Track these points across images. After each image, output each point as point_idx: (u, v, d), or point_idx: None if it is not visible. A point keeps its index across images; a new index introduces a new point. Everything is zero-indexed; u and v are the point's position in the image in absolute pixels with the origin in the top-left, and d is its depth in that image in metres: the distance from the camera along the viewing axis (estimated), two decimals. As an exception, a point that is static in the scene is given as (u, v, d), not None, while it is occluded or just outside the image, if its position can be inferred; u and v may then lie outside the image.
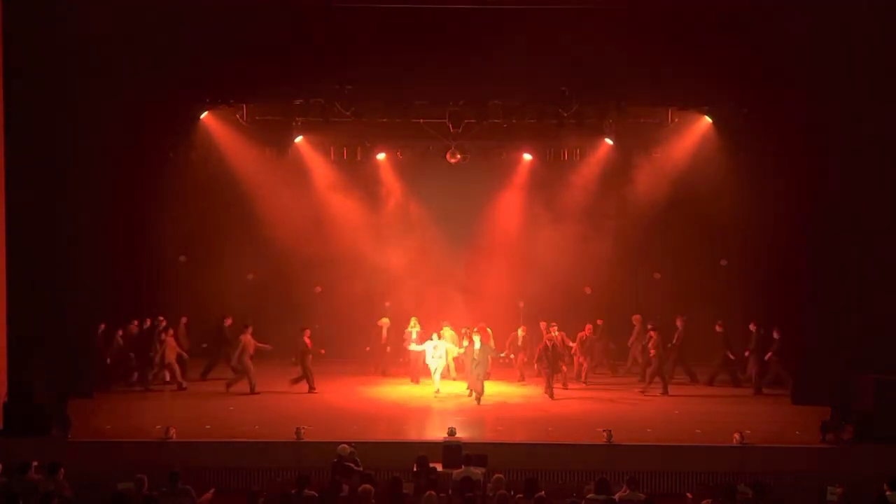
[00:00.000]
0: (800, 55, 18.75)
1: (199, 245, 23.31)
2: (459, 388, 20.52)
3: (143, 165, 21.21)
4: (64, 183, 18.89)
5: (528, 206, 24.28)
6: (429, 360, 20.28)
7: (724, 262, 23.68)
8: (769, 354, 20.32)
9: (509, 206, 24.55)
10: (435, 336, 20.42)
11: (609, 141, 23.34)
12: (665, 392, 20.12)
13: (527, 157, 24.39)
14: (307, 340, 20.22)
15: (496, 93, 20.78)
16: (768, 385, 20.42)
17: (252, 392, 19.84)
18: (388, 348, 22.27)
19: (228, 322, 21.29)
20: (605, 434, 15.84)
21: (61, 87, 18.55)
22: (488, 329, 20.97)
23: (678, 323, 21.89)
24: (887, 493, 12.37)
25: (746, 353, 20.78)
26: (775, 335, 20.32)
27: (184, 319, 22.19)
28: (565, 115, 21.13)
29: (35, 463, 13.14)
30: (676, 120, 22.44)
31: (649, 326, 20.84)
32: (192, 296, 22.60)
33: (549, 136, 23.14)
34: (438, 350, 20.19)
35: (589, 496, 12.32)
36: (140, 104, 20.00)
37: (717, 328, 21.20)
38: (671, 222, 23.34)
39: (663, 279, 24.27)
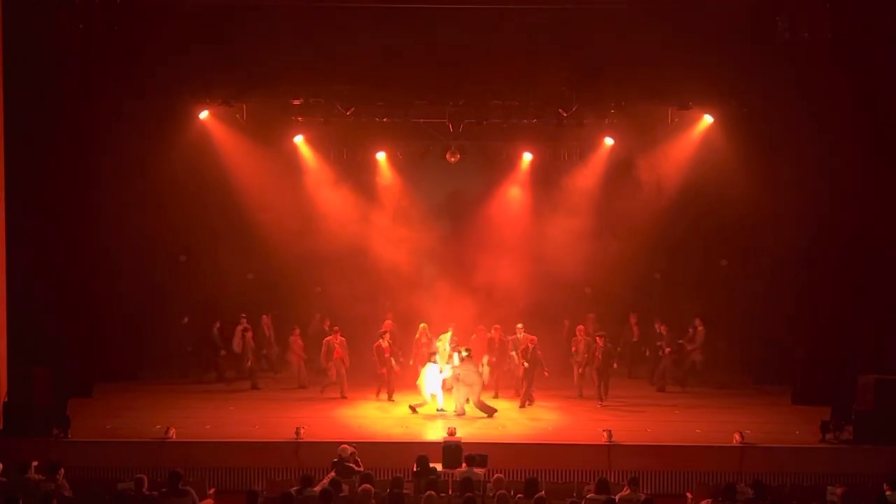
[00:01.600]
0: (800, 54, 18.78)
1: (199, 245, 23.30)
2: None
3: (142, 165, 21.20)
4: (63, 183, 18.91)
5: (528, 206, 24.22)
6: (426, 383, 18.83)
7: (723, 262, 23.65)
8: (693, 348, 20.76)
9: (509, 206, 24.49)
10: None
11: (609, 140, 23.31)
12: (601, 399, 19.36)
13: (527, 156, 24.35)
14: (385, 346, 19.72)
15: (496, 93, 20.77)
16: (673, 381, 20.71)
17: (321, 393, 19.81)
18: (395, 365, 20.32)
19: (327, 323, 21.52)
20: (605, 434, 15.85)
21: (61, 88, 18.56)
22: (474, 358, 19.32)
23: (632, 320, 22.19)
24: (887, 492, 12.35)
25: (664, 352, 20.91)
26: (699, 326, 20.90)
27: (318, 316, 22.54)
28: (565, 114, 21.11)
29: (35, 463, 13.11)
30: (676, 119, 22.40)
31: (598, 334, 20.21)
32: (192, 296, 22.58)
33: (549, 136, 23.12)
34: (432, 371, 18.86)
35: (589, 496, 12.30)
36: (140, 104, 20.05)
37: (699, 324, 21.14)
38: (671, 222, 23.29)
39: (663, 279, 24.27)
